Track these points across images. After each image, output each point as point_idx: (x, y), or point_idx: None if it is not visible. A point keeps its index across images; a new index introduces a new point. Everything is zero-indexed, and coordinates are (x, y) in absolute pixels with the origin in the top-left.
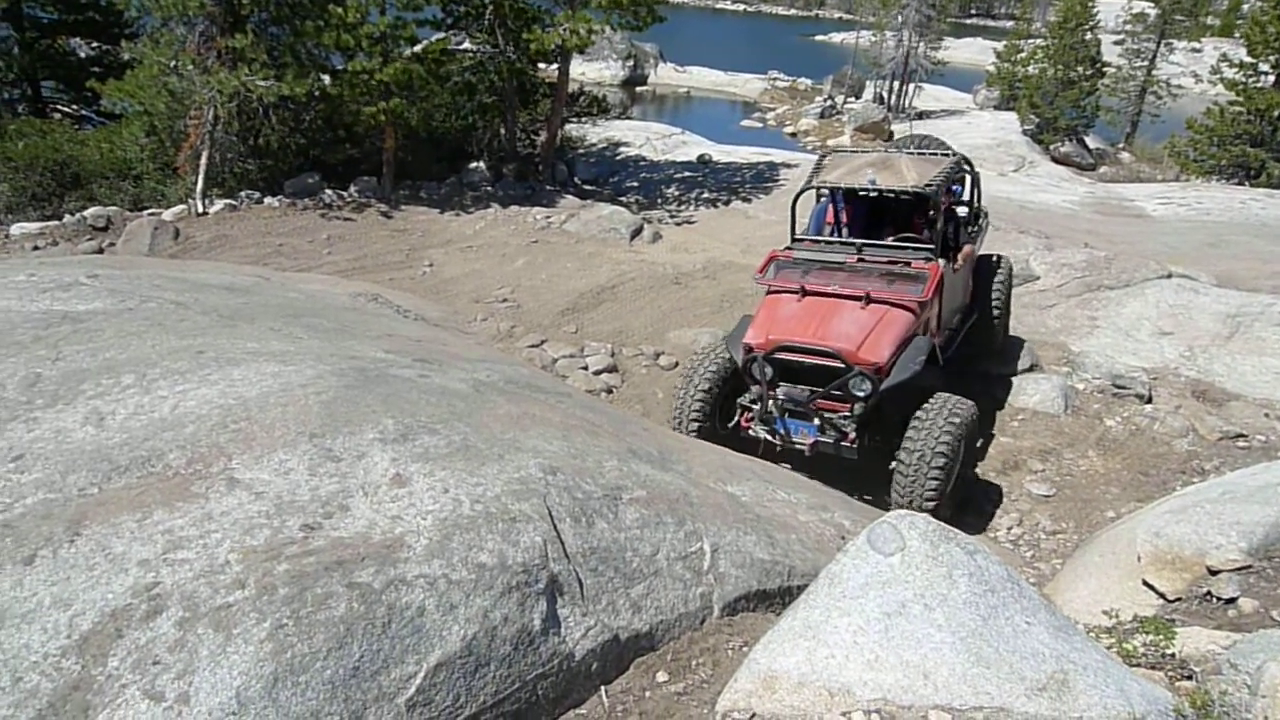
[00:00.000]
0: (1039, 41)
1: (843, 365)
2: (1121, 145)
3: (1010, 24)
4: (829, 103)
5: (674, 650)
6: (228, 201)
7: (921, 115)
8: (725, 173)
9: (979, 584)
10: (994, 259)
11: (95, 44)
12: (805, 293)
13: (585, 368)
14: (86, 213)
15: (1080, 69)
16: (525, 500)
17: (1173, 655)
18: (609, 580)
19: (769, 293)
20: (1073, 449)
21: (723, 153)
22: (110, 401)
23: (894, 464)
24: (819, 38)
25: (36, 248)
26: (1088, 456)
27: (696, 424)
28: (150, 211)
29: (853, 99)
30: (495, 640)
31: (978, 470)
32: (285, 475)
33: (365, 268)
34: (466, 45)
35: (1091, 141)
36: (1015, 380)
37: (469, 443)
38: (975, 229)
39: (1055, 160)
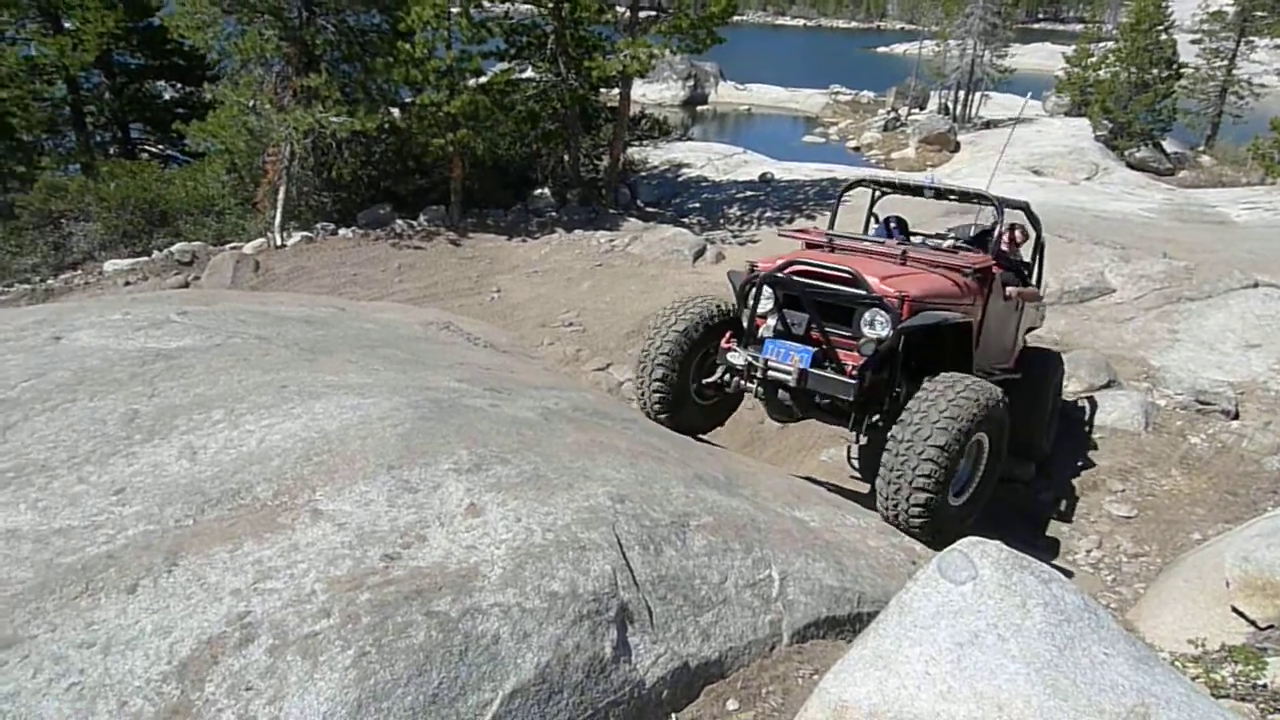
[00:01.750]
0: (1110, 44)
1: (861, 295)
2: (1201, 148)
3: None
4: (892, 115)
5: (744, 678)
6: (304, 234)
7: (989, 124)
8: (788, 191)
9: (1055, 614)
10: (1047, 353)
11: (180, 87)
12: (834, 248)
13: None
14: (173, 248)
15: (1155, 71)
16: (594, 529)
17: (1264, 686)
18: (678, 608)
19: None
20: (1154, 468)
21: (785, 170)
22: (202, 436)
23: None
24: (881, 50)
25: (128, 283)
26: (1171, 475)
27: (659, 392)
28: (232, 245)
29: (917, 110)
30: (568, 668)
31: (1054, 491)
32: (365, 506)
33: (435, 295)
34: (530, 74)
35: (1169, 146)
36: (1093, 397)
37: (539, 472)
38: (1035, 289)
39: (1130, 166)
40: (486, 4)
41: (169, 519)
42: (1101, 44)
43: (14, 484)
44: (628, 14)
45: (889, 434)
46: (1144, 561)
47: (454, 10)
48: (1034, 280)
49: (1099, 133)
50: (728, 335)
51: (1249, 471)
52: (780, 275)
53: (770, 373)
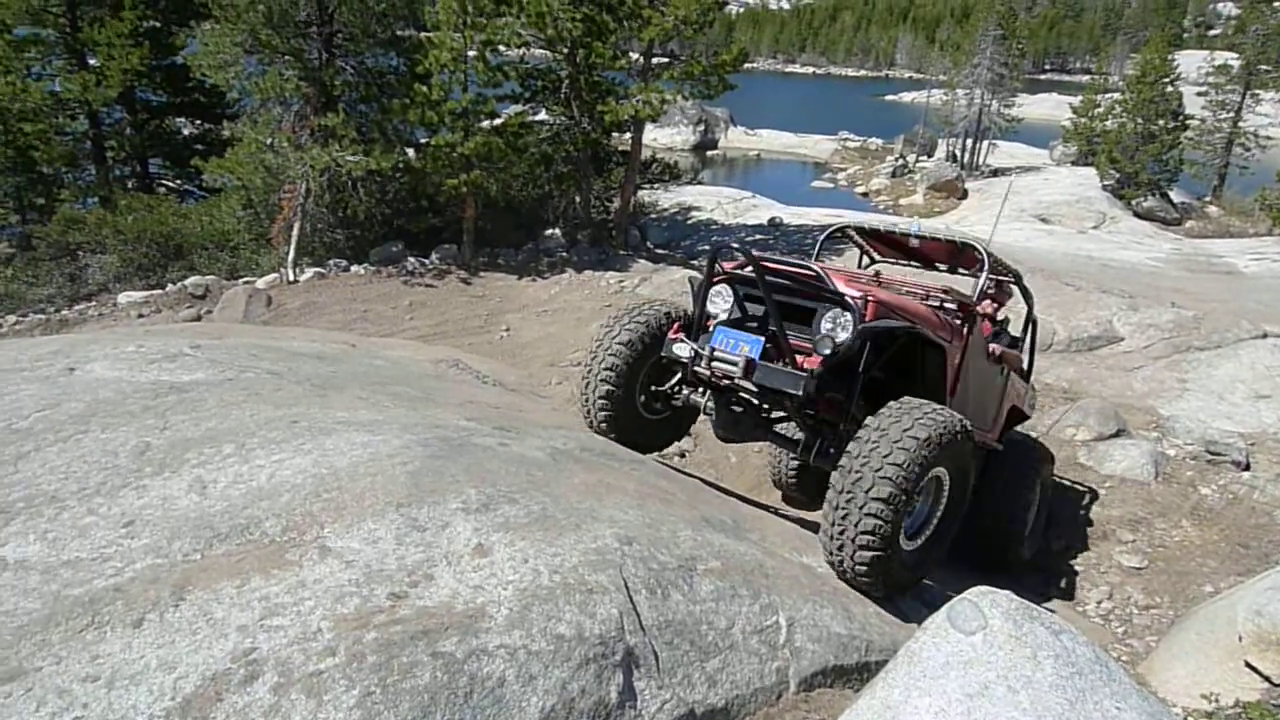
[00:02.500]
0: (1117, 95)
1: (827, 293)
2: (1209, 199)
3: (1086, 78)
4: (900, 162)
5: None
6: (317, 270)
7: (996, 172)
8: (796, 235)
9: (1066, 665)
10: (1035, 444)
11: (199, 124)
12: None
13: None
14: (187, 282)
15: (1161, 122)
16: (602, 571)
17: None
18: (684, 653)
19: None
20: (1165, 518)
21: (793, 215)
22: (212, 470)
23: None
24: (889, 97)
25: (141, 315)
26: (1181, 526)
27: (605, 409)
28: (245, 280)
29: (925, 158)
30: (573, 712)
31: (1063, 540)
32: (374, 544)
33: (445, 333)
34: (543, 117)
35: (1176, 196)
36: (1102, 446)
37: (547, 512)
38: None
39: (1138, 216)
40: (503, 49)
41: (177, 553)
42: (1108, 95)
43: (24, 514)
44: (641, 60)
45: (830, 477)
46: (1155, 614)
47: (471, 54)
48: (1026, 364)
49: (1106, 182)
50: (675, 326)
51: (1261, 524)
52: (740, 272)
53: (715, 363)
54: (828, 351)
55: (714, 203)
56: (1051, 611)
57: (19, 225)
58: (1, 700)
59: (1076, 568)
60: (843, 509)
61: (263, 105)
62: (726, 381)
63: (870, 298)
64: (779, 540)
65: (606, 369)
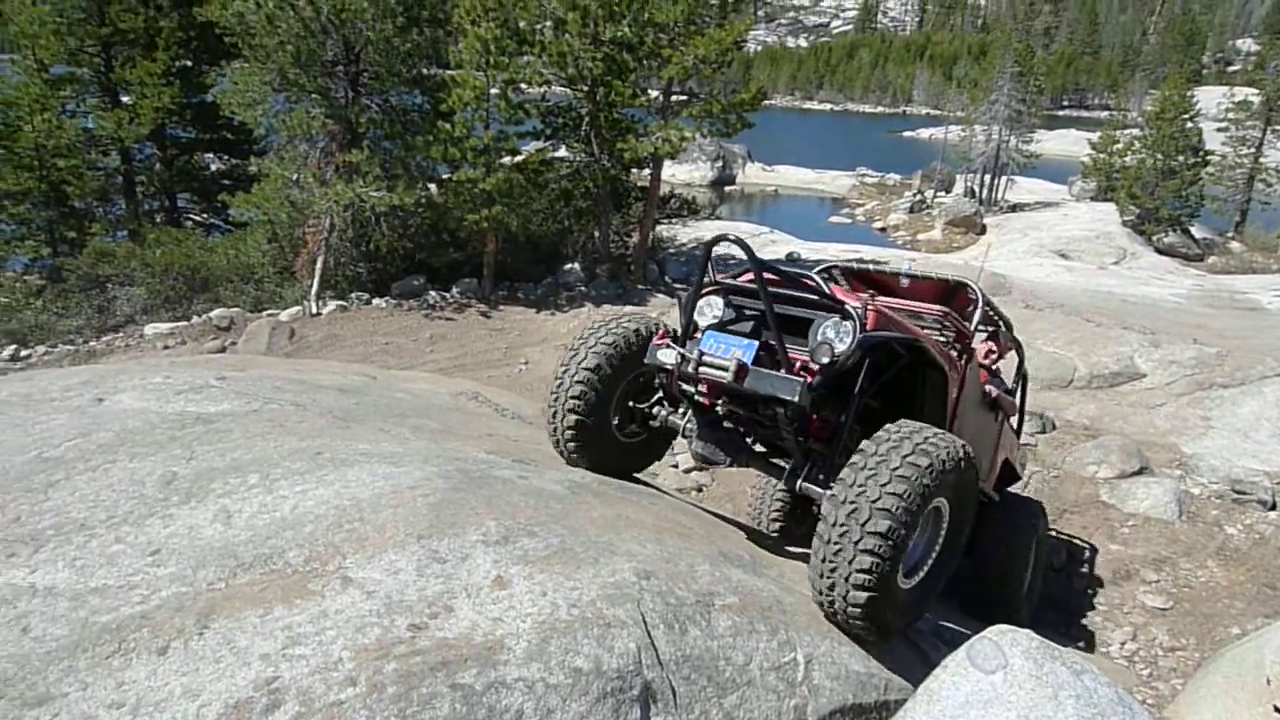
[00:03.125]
0: (1136, 131)
1: (826, 301)
2: (1230, 235)
3: (1105, 114)
4: (918, 197)
5: None
6: (339, 303)
7: (1015, 208)
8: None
9: (1087, 707)
10: (1029, 501)
11: (227, 159)
12: None
13: (675, 465)
14: (212, 314)
15: (1181, 158)
16: (620, 605)
17: None
18: (701, 689)
19: None
20: (1190, 558)
21: (811, 250)
22: (237, 500)
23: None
24: (907, 134)
25: (167, 347)
26: (1207, 566)
27: (574, 430)
28: (269, 312)
29: (943, 193)
30: None
31: (1087, 579)
32: (395, 575)
33: (465, 365)
34: (563, 154)
35: (1198, 231)
36: (1124, 484)
37: (566, 545)
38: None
39: (1159, 251)
40: (524, 87)
41: (202, 581)
42: (1127, 131)
43: (54, 542)
44: (660, 98)
45: (821, 508)
46: (1181, 655)
47: (493, 92)
48: (1017, 423)
49: (1126, 217)
50: (661, 332)
51: None
52: (733, 282)
53: (703, 368)
54: (826, 360)
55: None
56: (1073, 651)
57: (50, 258)
58: None
59: (1099, 607)
60: (835, 544)
61: (289, 142)
62: (714, 387)
63: (871, 307)
64: (797, 577)
65: (574, 397)
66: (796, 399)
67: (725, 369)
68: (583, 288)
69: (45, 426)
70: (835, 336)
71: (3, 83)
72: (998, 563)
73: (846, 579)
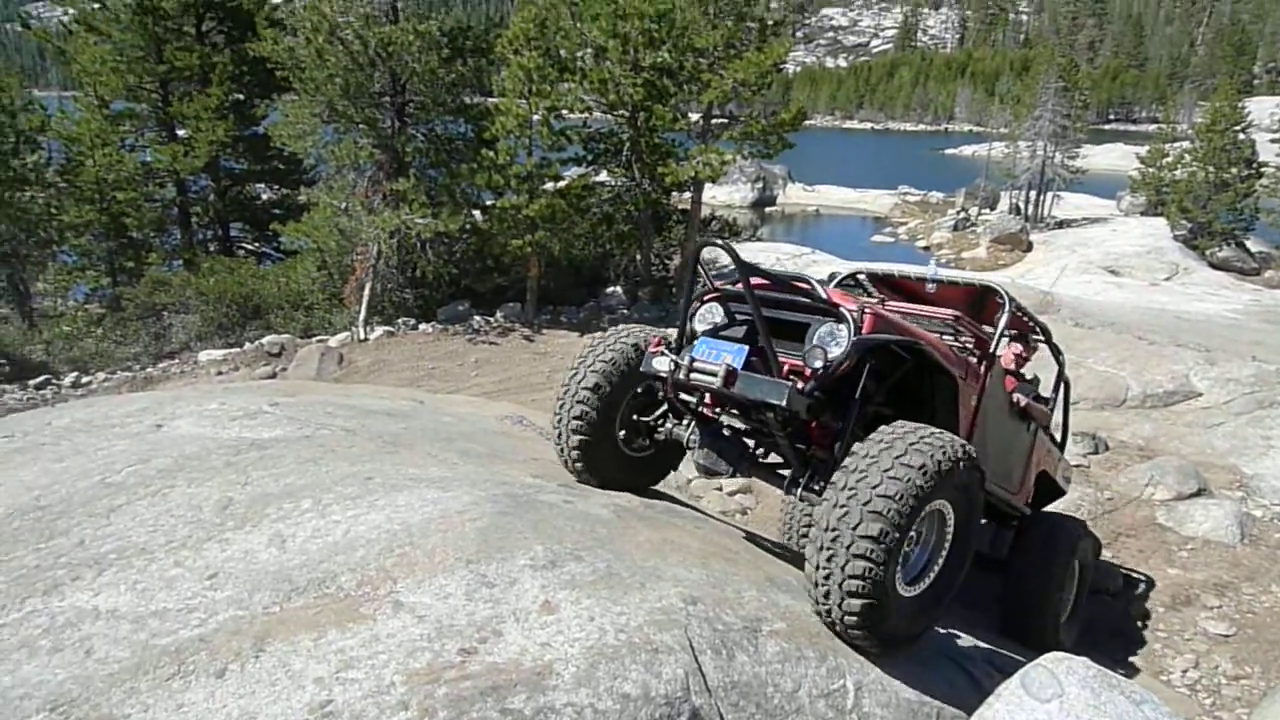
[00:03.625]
0: (1186, 144)
1: (820, 305)
2: None
3: (1153, 127)
4: (962, 215)
5: None
6: (386, 328)
7: (1061, 224)
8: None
9: None
10: (1066, 518)
11: (277, 189)
12: None
13: (720, 488)
14: (264, 340)
15: (1234, 170)
16: (667, 631)
17: None
18: (749, 716)
19: None
20: (1253, 583)
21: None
22: (291, 525)
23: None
24: (949, 151)
25: (220, 372)
26: (1271, 592)
27: (580, 449)
28: (319, 338)
29: (987, 210)
30: None
31: (1145, 605)
32: (445, 600)
33: (509, 389)
34: (605, 179)
35: (1253, 245)
36: (1182, 506)
37: (612, 570)
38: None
39: (1213, 266)
40: (566, 114)
41: (258, 605)
42: (1176, 144)
43: (115, 565)
44: (701, 121)
45: (814, 512)
46: (1246, 685)
47: (536, 119)
48: (1060, 435)
49: (1178, 232)
50: (656, 340)
51: None
52: (730, 288)
53: (694, 374)
54: (819, 364)
55: (773, 259)
56: (1132, 681)
57: (110, 287)
58: None
59: (1158, 634)
60: (828, 549)
61: (338, 171)
62: (716, 396)
63: (868, 310)
64: None
65: (575, 417)
66: (784, 403)
67: (715, 374)
68: (625, 310)
69: (107, 452)
70: (829, 340)
71: (66, 119)
72: (1030, 581)
73: (840, 586)
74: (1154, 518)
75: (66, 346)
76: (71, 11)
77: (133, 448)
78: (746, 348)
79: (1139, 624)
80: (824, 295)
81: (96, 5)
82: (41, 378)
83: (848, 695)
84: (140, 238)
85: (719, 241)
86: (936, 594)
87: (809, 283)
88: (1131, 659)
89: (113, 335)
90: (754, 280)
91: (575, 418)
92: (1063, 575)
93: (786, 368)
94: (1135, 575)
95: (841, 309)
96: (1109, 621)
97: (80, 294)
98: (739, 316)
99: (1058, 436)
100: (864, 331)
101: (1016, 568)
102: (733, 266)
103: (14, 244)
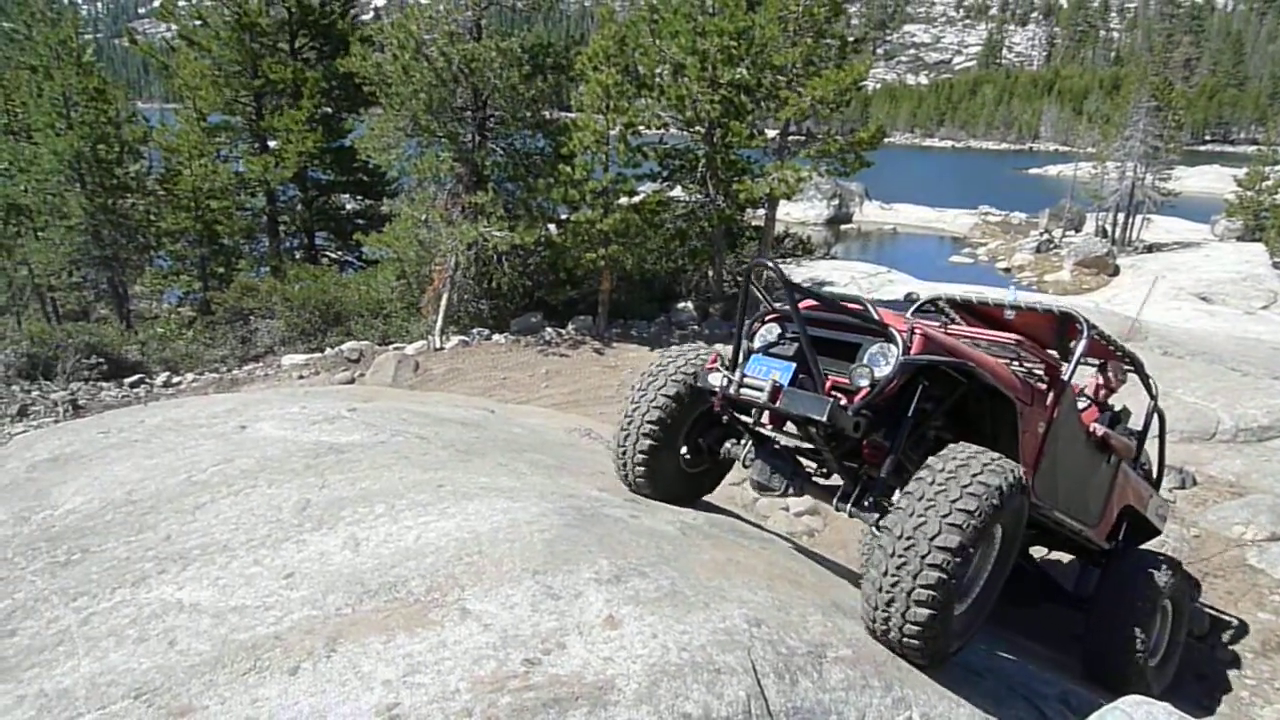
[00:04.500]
0: None
1: (871, 325)
2: None
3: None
4: (1046, 237)
5: None
6: (461, 338)
7: (1150, 248)
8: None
9: None
10: (1154, 554)
11: (361, 200)
12: None
13: (786, 509)
14: (344, 346)
15: None
16: (730, 652)
17: None
18: None
19: None
20: None
21: (930, 290)
22: (365, 529)
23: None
24: (1033, 171)
25: (302, 376)
26: None
27: (644, 463)
28: (395, 346)
29: (1072, 232)
30: None
31: (1233, 649)
32: (510, 609)
33: (578, 401)
34: (679, 194)
35: None
36: (1275, 547)
37: (676, 588)
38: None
39: None
40: (643, 130)
41: (331, 606)
42: (1277, 167)
43: (199, 561)
44: (777, 138)
45: (881, 522)
46: None
47: (613, 135)
48: (1154, 470)
49: (1277, 259)
50: (714, 357)
51: None
52: (785, 308)
53: (744, 389)
54: (864, 382)
55: (848, 277)
56: None
57: (201, 292)
58: None
59: (1247, 681)
60: (900, 556)
61: (419, 184)
62: (775, 417)
63: (918, 331)
64: None
65: (651, 422)
66: (824, 418)
67: (762, 389)
68: (695, 326)
69: (194, 452)
70: (878, 359)
71: (166, 130)
72: (1113, 619)
73: (909, 593)
74: (1244, 558)
75: (159, 347)
76: (175, 28)
77: (218, 448)
78: (794, 365)
79: (1226, 669)
80: (875, 315)
81: (198, 22)
82: (136, 376)
83: None
84: (231, 245)
85: (769, 263)
86: (977, 611)
87: (862, 303)
88: (1217, 706)
89: (202, 338)
90: (810, 301)
91: (651, 422)
92: (1149, 614)
93: (831, 384)
94: (1224, 618)
95: (891, 329)
96: (1194, 665)
97: (174, 298)
98: (791, 335)
99: (1152, 472)
100: (913, 352)
101: (1100, 605)
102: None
103: (115, 248)
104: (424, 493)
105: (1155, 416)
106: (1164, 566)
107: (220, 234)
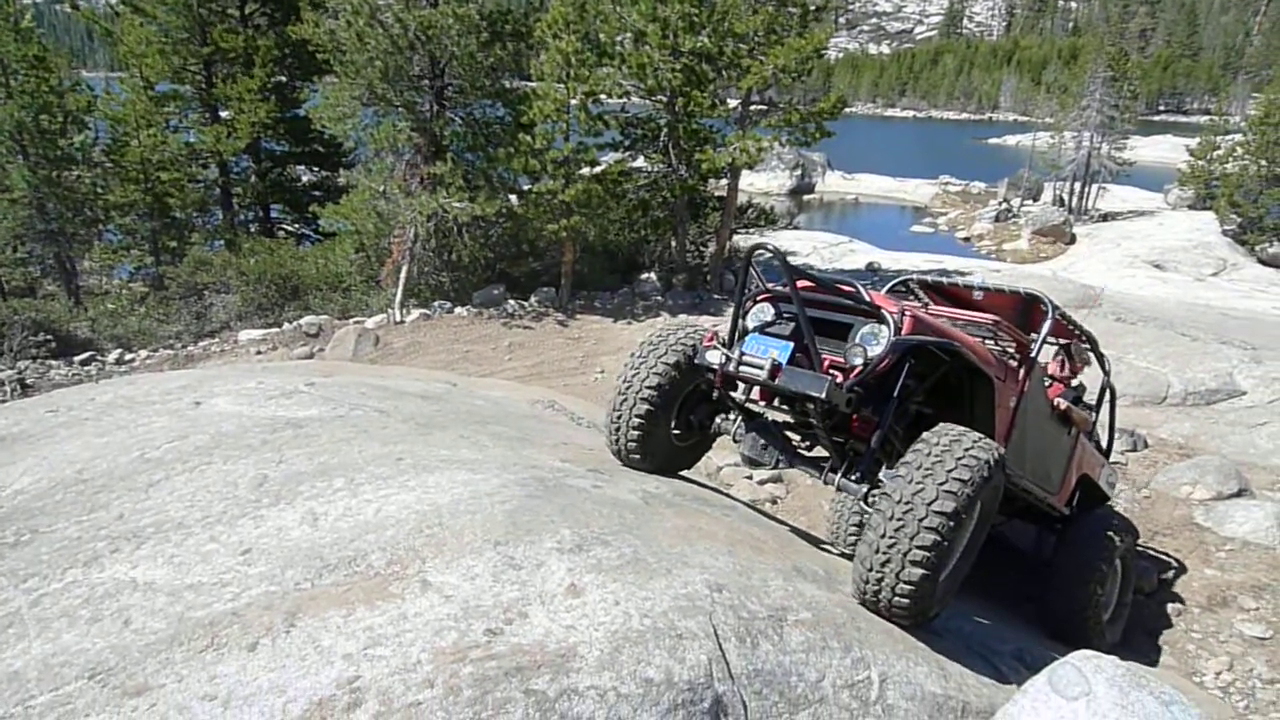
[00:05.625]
0: (1238, 137)
1: (863, 307)
2: None
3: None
4: (1004, 206)
5: None
6: (422, 311)
7: (1106, 217)
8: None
9: None
10: (1106, 512)
11: (317, 171)
12: None
13: (750, 476)
14: (302, 321)
15: None
16: (691, 617)
17: None
18: (773, 704)
19: None
20: None
21: (892, 260)
22: (323, 503)
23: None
24: (992, 141)
25: (259, 352)
26: None
27: (638, 433)
28: (355, 320)
29: (1030, 202)
30: None
31: (1180, 605)
32: (472, 580)
33: (542, 373)
34: (641, 164)
35: None
36: (1221, 506)
37: (639, 555)
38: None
39: (1262, 262)
40: (604, 98)
41: (289, 581)
42: (1228, 137)
43: (153, 539)
44: (739, 108)
45: (876, 494)
46: None
47: (573, 104)
48: (1105, 441)
49: (1226, 227)
50: (711, 334)
51: None
52: (781, 289)
53: (743, 367)
54: (859, 362)
55: (810, 247)
56: (1162, 681)
57: (153, 266)
58: (129, 714)
59: (1193, 635)
60: (899, 520)
61: (377, 154)
62: (764, 392)
63: (908, 313)
64: None
65: (651, 388)
66: (823, 395)
67: (761, 367)
68: (659, 297)
69: (147, 429)
70: (870, 339)
71: (112, 99)
72: (1071, 579)
73: (905, 555)
74: (1192, 517)
75: (110, 324)
76: None
77: (172, 424)
78: (792, 344)
79: (1173, 624)
80: (867, 298)
81: None
82: (86, 354)
83: (872, 686)
84: (183, 218)
85: (770, 246)
86: (954, 578)
87: (854, 286)
88: (1164, 659)
89: (155, 313)
90: (802, 282)
91: (638, 412)
92: (1104, 573)
93: (828, 363)
94: (1171, 575)
95: (883, 311)
96: (1143, 621)
97: (124, 272)
98: (786, 315)
99: (1103, 442)
100: (903, 333)
101: (1058, 566)
102: (779, 265)
103: (61, 222)
104: (383, 466)
105: (1108, 391)
106: (1116, 527)
107: (172, 207)
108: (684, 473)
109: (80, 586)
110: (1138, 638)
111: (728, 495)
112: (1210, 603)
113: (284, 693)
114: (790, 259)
